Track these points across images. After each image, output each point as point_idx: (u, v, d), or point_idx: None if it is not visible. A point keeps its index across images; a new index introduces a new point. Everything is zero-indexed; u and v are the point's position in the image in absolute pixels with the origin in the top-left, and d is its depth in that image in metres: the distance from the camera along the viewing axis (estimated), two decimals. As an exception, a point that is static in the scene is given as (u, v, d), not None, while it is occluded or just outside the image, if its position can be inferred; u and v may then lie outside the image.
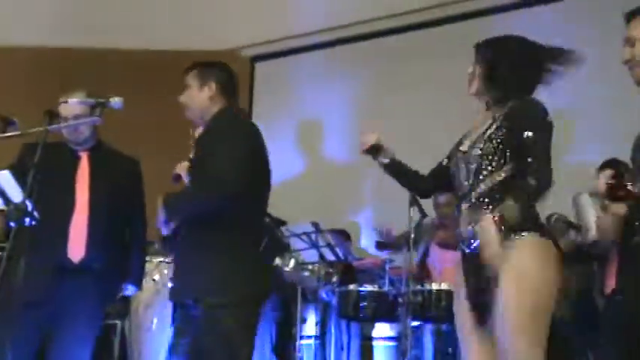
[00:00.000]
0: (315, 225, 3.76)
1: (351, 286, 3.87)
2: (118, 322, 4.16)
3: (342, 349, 4.18)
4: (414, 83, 5.42)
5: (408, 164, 2.46)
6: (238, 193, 2.46)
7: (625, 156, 2.36)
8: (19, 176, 2.69)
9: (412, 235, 3.54)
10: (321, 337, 4.25)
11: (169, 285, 3.20)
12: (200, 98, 2.69)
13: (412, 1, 5.54)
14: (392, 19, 5.75)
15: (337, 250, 3.79)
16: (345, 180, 5.37)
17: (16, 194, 2.58)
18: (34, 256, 2.69)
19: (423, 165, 2.48)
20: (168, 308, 3.68)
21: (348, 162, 5.34)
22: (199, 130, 2.71)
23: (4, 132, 2.86)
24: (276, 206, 3.10)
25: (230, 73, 2.79)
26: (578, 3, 5.00)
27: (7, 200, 2.61)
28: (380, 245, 3.80)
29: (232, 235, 2.54)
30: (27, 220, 2.50)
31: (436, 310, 3.63)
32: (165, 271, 3.89)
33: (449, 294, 3.59)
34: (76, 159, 3.07)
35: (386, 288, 3.79)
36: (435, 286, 3.66)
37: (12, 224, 2.54)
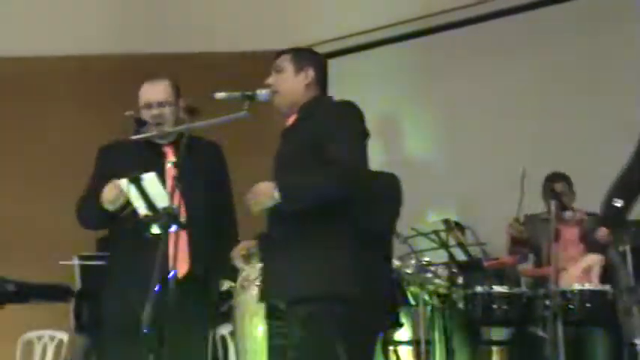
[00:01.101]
0: (447, 222, 3.51)
1: (479, 288, 3.62)
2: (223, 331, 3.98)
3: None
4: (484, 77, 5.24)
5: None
6: (367, 183, 2.30)
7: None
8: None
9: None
10: (427, 342, 3.99)
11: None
12: (295, 84, 2.46)
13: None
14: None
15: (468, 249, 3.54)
16: (424, 176, 5.14)
17: (160, 199, 2.41)
18: (135, 275, 2.54)
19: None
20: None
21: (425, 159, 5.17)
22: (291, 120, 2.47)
23: (137, 133, 2.71)
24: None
25: (325, 63, 2.59)
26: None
27: (151, 205, 2.43)
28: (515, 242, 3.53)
29: (346, 231, 2.35)
30: (174, 226, 2.30)
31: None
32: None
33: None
34: (161, 155, 2.76)
35: (521, 289, 3.53)
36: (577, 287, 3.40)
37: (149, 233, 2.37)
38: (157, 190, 2.41)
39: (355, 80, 5.86)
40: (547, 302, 3.33)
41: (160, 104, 2.74)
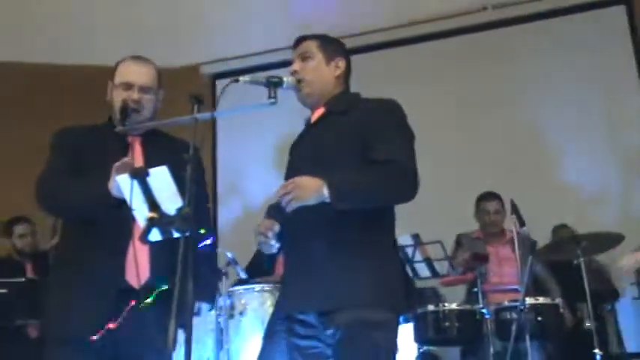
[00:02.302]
0: (416, 237, 3.40)
1: (430, 307, 3.55)
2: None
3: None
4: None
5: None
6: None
7: None
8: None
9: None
10: None
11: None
12: (326, 74, 2.23)
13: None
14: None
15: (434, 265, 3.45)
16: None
17: (169, 199, 2.03)
18: (86, 279, 2.21)
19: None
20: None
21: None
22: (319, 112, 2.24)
23: (123, 124, 2.31)
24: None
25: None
26: None
27: (155, 206, 2.04)
28: (476, 258, 3.51)
29: (388, 238, 2.15)
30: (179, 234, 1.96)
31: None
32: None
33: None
34: (126, 146, 2.38)
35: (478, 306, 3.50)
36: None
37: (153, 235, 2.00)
38: (166, 187, 2.02)
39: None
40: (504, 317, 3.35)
41: (142, 89, 2.37)
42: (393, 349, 2.03)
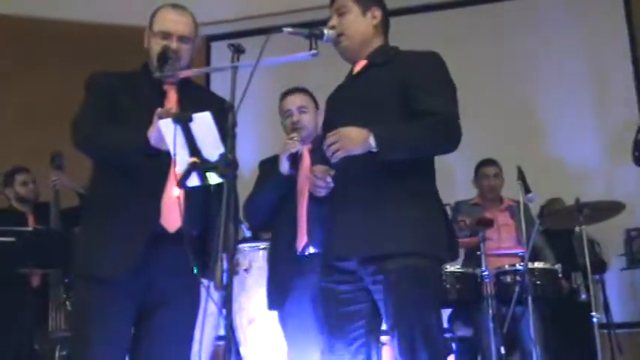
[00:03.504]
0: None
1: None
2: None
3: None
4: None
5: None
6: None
7: None
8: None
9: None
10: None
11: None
12: (364, 25, 2.27)
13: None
14: None
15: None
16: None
17: (212, 145, 2.05)
18: (121, 223, 2.23)
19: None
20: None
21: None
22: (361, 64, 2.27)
23: (161, 70, 2.31)
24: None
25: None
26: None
27: (197, 152, 2.06)
28: (481, 223, 3.59)
29: (432, 188, 2.22)
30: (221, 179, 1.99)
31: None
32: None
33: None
34: (162, 93, 2.38)
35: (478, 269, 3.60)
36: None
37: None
38: (209, 133, 2.04)
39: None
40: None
41: (181, 39, 2.37)
42: (437, 293, 2.11)
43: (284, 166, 2.88)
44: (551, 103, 5.45)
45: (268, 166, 3.08)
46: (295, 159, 2.92)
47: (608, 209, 3.55)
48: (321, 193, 2.23)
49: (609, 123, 5.38)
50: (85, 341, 2.19)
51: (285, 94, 3.08)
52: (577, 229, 3.60)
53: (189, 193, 2.24)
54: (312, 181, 2.23)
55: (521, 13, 5.71)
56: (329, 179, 2.19)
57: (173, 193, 2.24)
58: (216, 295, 2.03)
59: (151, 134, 2.15)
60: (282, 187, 2.93)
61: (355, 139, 2.03)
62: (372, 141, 2.02)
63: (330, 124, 2.24)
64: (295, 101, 3.03)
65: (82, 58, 5.16)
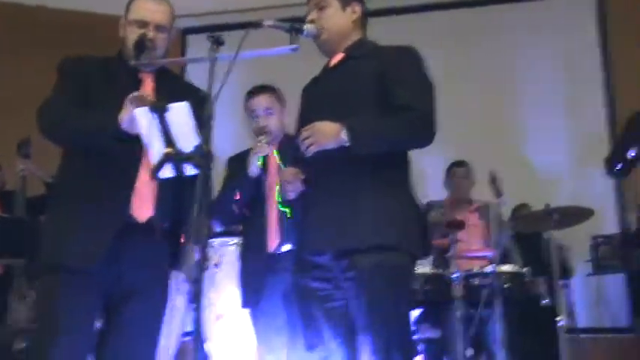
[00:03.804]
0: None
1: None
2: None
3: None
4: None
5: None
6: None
7: None
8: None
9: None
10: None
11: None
12: (343, 20, 2.29)
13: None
14: None
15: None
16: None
17: (187, 136, 2.02)
18: (90, 212, 2.19)
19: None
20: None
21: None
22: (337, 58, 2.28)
23: (138, 59, 2.27)
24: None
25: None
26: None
27: (171, 143, 2.03)
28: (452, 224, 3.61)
29: (406, 182, 2.22)
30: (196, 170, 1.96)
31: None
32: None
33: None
34: (137, 81, 2.35)
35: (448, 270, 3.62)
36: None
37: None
38: (185, 124, 2.01)
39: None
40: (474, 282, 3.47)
41: (158, 28, 2.33)
42: (409, 290, 2.11)
43: (252, 169, 2.88)
44: (524, 110, 5.52)
45: (236, 163, 3.06)
46: (263, 160, 2.93)
47: (577, 215, 3.59)
48: (291, 196, 2.22)
49: (580, 130, 5.46)
50: (50, 332, 2.14)
51: (252, 94, 3.05)
52: (545, 233, 3.63)
53: (162, 184, 2.21)
54: (282, 183, 2.22)
55: (495, 19, 5.78)
56: (298, 184, 2.17)
57: (145, 182, 2.22)
58: (185, 288, 2.01)
59: (123, 118, 2.10)
60: (250, 188, 2.92)
61: (328, 134, 2.03)
62: (344, 135, 2.02)
63: (305, 118, 2.23)
64: (261, 103, 3.02)
65: (53, 46, 5.06)
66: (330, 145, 2.04)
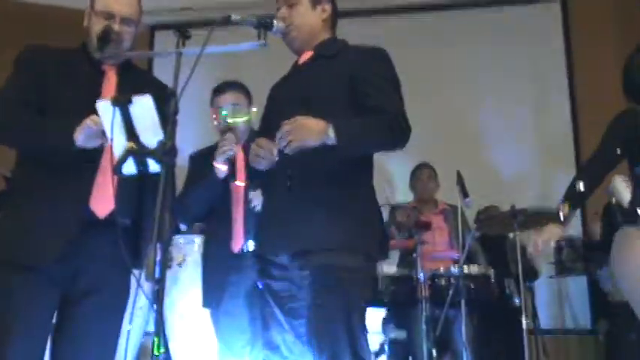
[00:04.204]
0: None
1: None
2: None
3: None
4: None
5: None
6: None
7: None
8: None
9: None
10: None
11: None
12: (313, 18, 2.26)
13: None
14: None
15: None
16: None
17: (151, 131, 1.96)
18: (49, 206, 2.14)
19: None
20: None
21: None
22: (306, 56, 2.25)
23: (102, 51, 2.22)
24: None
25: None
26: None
27: (134, 138, 1.98)
28: (418, 225, 3.60)
29: (367, 185, 2.19)
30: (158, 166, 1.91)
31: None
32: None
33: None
34: (100, 74, 2.28)
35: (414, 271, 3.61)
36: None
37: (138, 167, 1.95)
38: (149, 118, 1.95)
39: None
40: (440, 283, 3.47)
41: (124, 21, 2.27)
42: (364, 294, 2.08)
43: (219, 170, 2.80)
44: (490, 112, 5.57)
45: (200, 160, 3.00)
46: (230, 160, 2.84)
47: (542, 217, 3.62)
48: (261, 165, 2.13)
49: (545, 132, 5.53)
50: (3, 331, 2.07)
51: (218, 91, 2.99)
52: (511, 235, 3.65)
53: (122, 179, 2.14)
54: (253, 150, 2.12)
55: (462, 23, 5.81)
56: (275, 150, 2.07)
57: (106, 177, 2.16)
58: (147, 287, 1.96)
59: (78, 135, 2.05)
60: (216, 188, 2.85)
61: (313, 130, 1.97)
62: (331, 133, 1.97)
63: (271, 115, 2.19)
64: (228, 99, 2.96)
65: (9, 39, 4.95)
66: (313, 142, 1.97)
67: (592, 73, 5.46)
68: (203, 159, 2.93)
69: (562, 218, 2.46)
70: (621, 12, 5.56)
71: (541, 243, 2.51)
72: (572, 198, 2.52)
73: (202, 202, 2.90)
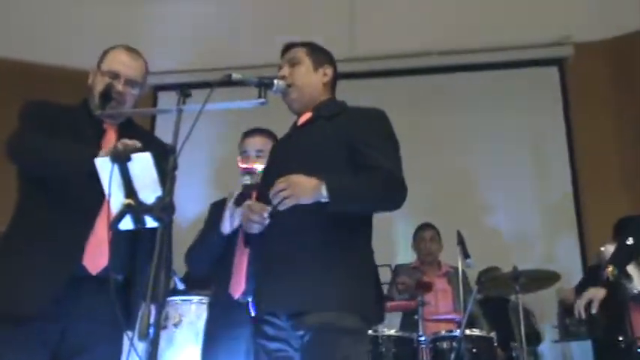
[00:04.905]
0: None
1: (369, 331, 3.55)
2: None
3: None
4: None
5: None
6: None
7: None
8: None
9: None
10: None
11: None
12: (314, 80, 2.28)
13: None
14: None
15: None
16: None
17: (149, 188, 1.95)
18: (41, 259, 2.11)
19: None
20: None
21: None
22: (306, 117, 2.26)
23: (102, 108, 2.24)
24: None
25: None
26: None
27: (132, 194, 1.97)
28: (420, 286, 3.56)
29: (365, 246, 2.16)
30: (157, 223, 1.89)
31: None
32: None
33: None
34: (101, 132, 2.31)
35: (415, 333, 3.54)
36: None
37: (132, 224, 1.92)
38: (147, 175, 1.95)
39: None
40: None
41: (129, 82, 2.32)
42: (361, 356, 2.02)
43: (225, 226, 2.78)
44: (491, 174, 5.57)
45: (219, 209, 2.99)
46: (241, 203, 2.85)
47: (544, 279, 3.58)
48: (254, 229, 2.13)
49: (546, 193, 5.52)
50: None
51: (246, 135, 3.02)
52: (513, 297, 3.60)
53: (117, 234, 2.12)
54: (245, 215, 2.13)
55: (465, 86, 5.88)
56: (265, 214, 2.08)
57: (101, 233, 2.14)
58: (140, 347, 1.91)
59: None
60: (223, 242, 2.84)
61: (307, 187, 1.97)
62: (323, 191, 1.96)
63: (270, 174, 2.19)
64: (255, 144, 2.97)
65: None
66: (307, 199, 1.96)
67: (592, 133, 5.50)
68: (222, 208, 2.92)
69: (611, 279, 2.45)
70: (619, 76, 5.64)
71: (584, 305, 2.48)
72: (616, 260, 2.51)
73: (212, 254, 2.89)
